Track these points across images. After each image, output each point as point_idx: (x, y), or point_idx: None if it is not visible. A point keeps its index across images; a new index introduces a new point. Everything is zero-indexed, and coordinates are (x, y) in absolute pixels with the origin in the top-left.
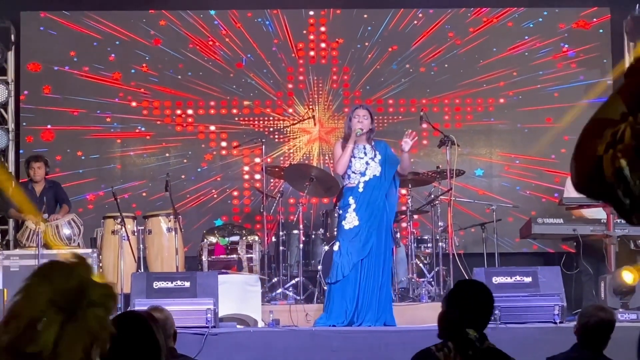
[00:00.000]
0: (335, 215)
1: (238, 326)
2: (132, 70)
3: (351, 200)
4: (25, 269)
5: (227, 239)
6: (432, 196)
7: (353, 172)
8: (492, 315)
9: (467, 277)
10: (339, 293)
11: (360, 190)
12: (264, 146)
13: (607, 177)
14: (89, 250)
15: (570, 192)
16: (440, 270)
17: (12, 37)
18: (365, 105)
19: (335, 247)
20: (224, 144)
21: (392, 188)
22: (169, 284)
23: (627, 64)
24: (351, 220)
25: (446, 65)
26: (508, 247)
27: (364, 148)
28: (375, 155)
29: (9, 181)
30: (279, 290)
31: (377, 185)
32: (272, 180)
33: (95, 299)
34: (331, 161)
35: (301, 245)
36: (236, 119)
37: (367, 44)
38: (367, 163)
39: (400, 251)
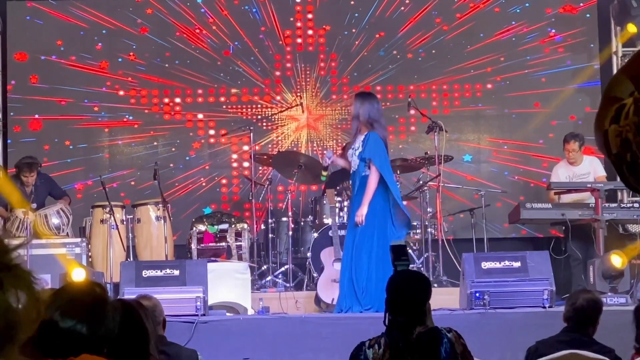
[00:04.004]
0: (324, 202)
1: (228, 314)
2: (119, 59)
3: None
4: None
5: (216, 227)
6: (421, 182)
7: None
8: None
9: (456, 263)
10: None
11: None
12: (252, 134)
13: (612, 151)
14: (78, 240)
15: (558, 176)
16: (429, 256)
17: None
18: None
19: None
20: (212, 132)
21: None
22: (158, 273)
23: (614, 48)
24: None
25: (433, 51)
26: (497, 233)
27: (357, 139)
28: (358, 148)
29: None
30: (269, 278)
31: (353, 178)
32: (260, 168)
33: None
34: (319, 148)
35: (290, 233)
36: (224, 107)
37: (354, 30)
38: (352, 155)
39: None
